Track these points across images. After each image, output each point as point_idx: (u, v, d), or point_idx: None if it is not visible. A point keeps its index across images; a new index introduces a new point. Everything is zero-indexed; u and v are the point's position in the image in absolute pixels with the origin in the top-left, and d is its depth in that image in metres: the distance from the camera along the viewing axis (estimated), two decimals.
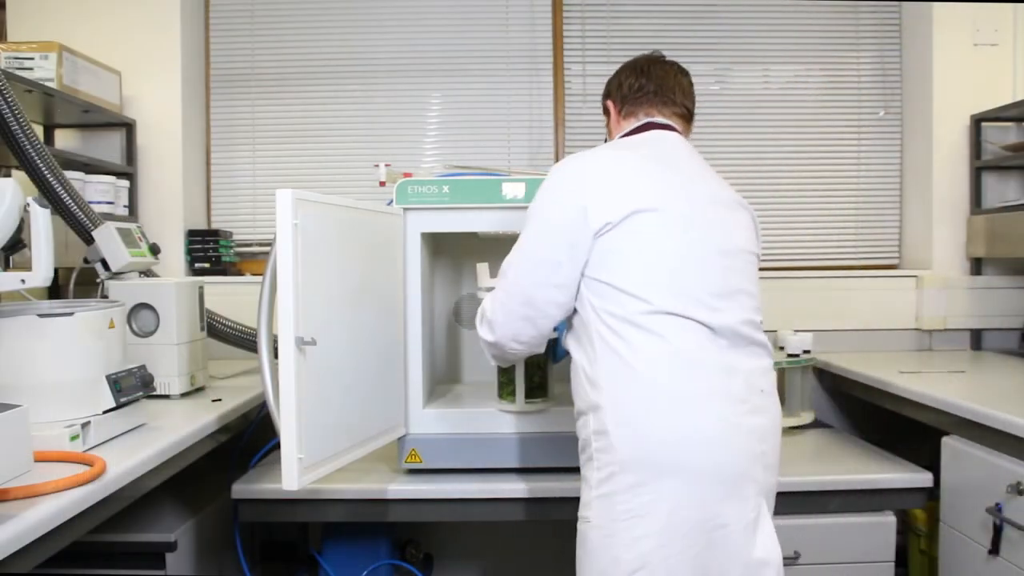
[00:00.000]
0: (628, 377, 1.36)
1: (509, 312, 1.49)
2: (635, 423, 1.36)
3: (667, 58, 1.70)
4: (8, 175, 2.22)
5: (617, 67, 1.74)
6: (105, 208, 2.52)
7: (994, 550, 1.77)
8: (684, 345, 1.37)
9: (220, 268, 2.90)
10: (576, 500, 1.83)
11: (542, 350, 1.60)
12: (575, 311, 1.46)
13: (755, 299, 1.49)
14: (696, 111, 1.69)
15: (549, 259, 1.43)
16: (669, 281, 1.38)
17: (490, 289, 1.98)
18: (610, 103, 1.70)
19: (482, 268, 2.06)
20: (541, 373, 1.97)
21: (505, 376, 1.99)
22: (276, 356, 1.51)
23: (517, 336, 1.51)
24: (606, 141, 1.72)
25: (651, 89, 1.62)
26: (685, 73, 1.68)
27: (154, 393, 1.82)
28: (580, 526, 1.42)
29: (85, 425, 1.53)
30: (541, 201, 1.49)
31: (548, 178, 1.52)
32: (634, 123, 1.62)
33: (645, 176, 1.45)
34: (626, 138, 1.61)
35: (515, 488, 1.86)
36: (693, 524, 1.34)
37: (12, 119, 1.88)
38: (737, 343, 1.41)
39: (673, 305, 1.37)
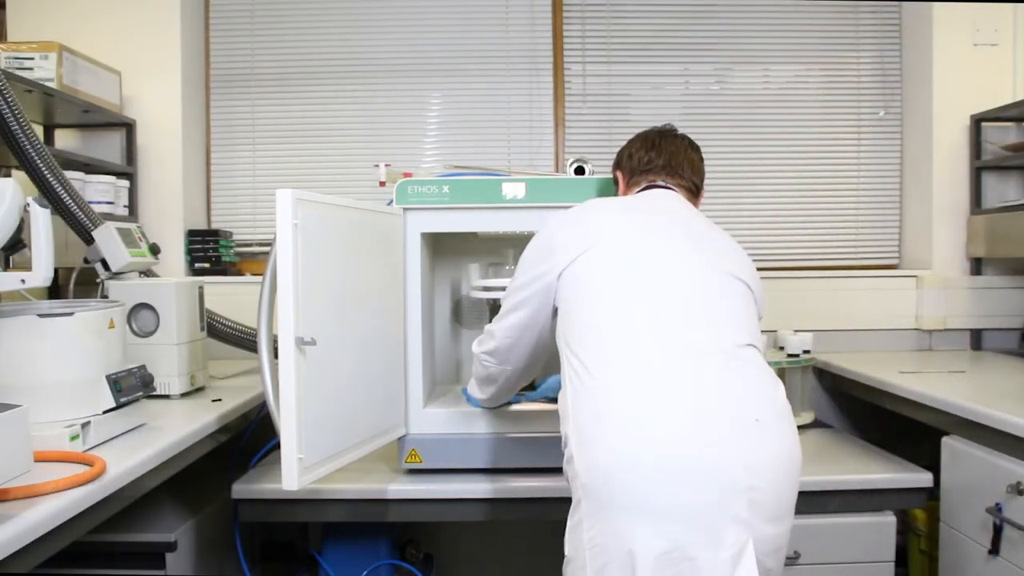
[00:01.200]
0: (587, 402, 1.33)
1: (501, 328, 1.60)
2: (591, 450, 1.29)
3: (678, 132, 1.74)
4: (8, 175, 2.22)
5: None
6: (105, 208, 2.52)
7: (994, 550, 1.77)
8: (645, 368, 1.31)
9: (220, 268, 2.90)
10: None
11: (513, 379, 1.71)
12: (559, 347, 1.47)
13: (744, 321, 1.42)
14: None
15: (523, 289, 1.53)
16: (623, 304, 1.37)
17: (484, 288, 2.01)
18: (619, 173, 1.75)
19: (473, 268, 2.07)
20: None
21: None
22: (276, 356, 1.51)
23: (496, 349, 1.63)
24: None
25: (660, 164, 1.67)
26: (696, 148, 1.72)
27: (154, 393, 1.82)
28: (565, 559, 1.38)
29: (85, 425, 1.53)
30: (528, 253, 1.57)
31: (539, 234, 1.58)
32: (636, 190, 1.68)
33: (619, 216, 1.52)
34: (625, 196, 1.68)
35: (515, 488, 1.86)
36: (656, 555, 1.23)
37: (12, 119, 1.88)
38: (720, 367, 1.32)
39: (638, 329, 1.34)
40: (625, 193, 1.72)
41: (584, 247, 1.45)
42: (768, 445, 1.29)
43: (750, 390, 1.33)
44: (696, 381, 1.30)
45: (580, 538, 1.31)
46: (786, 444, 1.32)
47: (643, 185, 1.67)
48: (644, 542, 1.23)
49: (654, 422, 1.27)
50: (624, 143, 1.77)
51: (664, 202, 1.60)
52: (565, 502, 1.84)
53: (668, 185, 1.66)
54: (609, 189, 1.85)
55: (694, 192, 1.69)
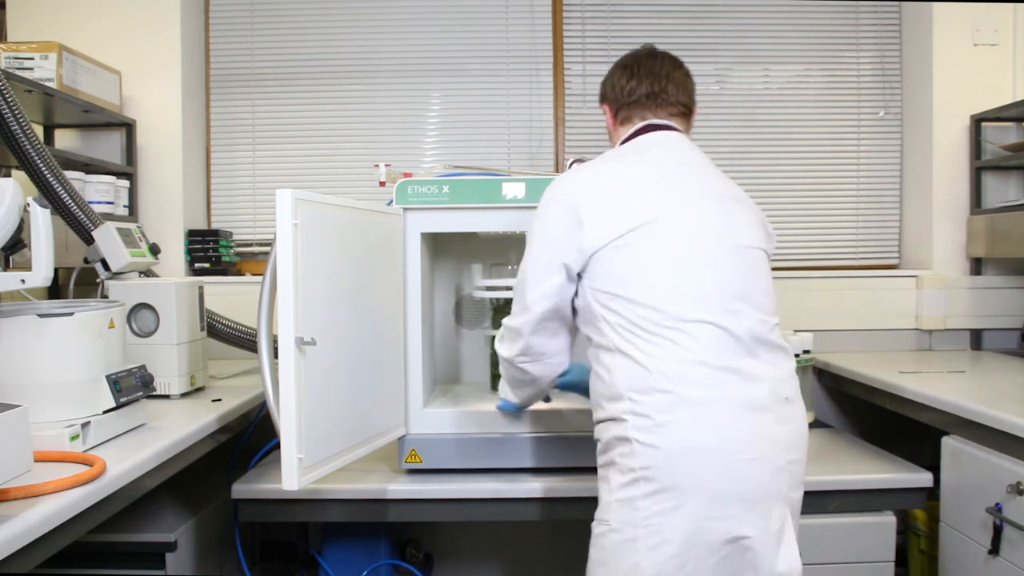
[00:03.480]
0: (647, 387, 1.34)
1: (521, 323, 1.52)
2: (656, 433, 1.33)
3: (658, 50, 1.65)
4: (8, 175, 2.22)
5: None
6: (105, 208, 2.52)
7: (994, 550, 1.77)
8: (703, 352, 1.34)
9: (220, 268, 2.90)
10: (576, 500, 1.84)
11: (550, 372, 1.60)
12: (591, 323, 1.45)
13: (771, 299, 1.46)
14: (697, 111, 1.66)
15: (547, 272, 1.46)
16: (681, 288, 1.37)
17: (487, 288, 2.01)
18: (606, 107, 1.68)
19: (476, 268, 2.07)
20: None
21: (498, 369, 2.02)
22: (276, 356, 1.51)
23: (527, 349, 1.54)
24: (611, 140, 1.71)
25: (643, 92, 1.59)
26: (679, 65, 1.63)
27: (154, 393, 1.82)
28: (597, 528, 1.41)
29: (85, 425, 1.53)
30: (540, 220, 1.50)
31: (545, 195, 1.52)
32: (631, 128, 1.60)
33: (644, 187, 1.46)
34: (626, 144, 1.59)
35: (515, 488, 1.86)
36: (713, 536, 1.32)
37: (12, 119, 1.88)
38: (757, 348, 1.39)
39: (688, 312, 1.35)
40: (615, 127, 1.64)
41: (620, 225, 1.40)
42: (796, 420, 1.42)
43: (780, 370, 1.42)
44: (745, 365, 1.36)
45: (633, 515, 1.34)
46: (803, 414, 1.45)
47: (637, 124, 1.58)
48: (705, 523, 1.31)
49: (717, 408, 1.33)
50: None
51: (676, 155, 1.53)
52: (566, 502, 1.85)
53: (665, 124, 1.57)
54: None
55: (686, 115, 1.61)
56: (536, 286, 1.47)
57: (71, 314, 1.56)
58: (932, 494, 2.00)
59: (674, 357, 1.34)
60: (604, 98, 1.68)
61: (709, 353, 1.34)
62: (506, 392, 1.72)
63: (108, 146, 2.80)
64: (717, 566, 1.33)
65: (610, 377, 1.39)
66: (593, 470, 1.86)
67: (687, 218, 1.43)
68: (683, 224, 1.42)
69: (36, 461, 1.29)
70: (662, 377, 1.34)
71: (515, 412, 1.82)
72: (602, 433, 1.44)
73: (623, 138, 1.60)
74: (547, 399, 1.85)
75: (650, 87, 1.58)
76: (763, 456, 1.34)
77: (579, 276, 1.45)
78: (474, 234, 2.14)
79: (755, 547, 1.34)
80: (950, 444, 1.97)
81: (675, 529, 1.31)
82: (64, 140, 2.81)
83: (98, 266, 2.06)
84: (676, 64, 1.63)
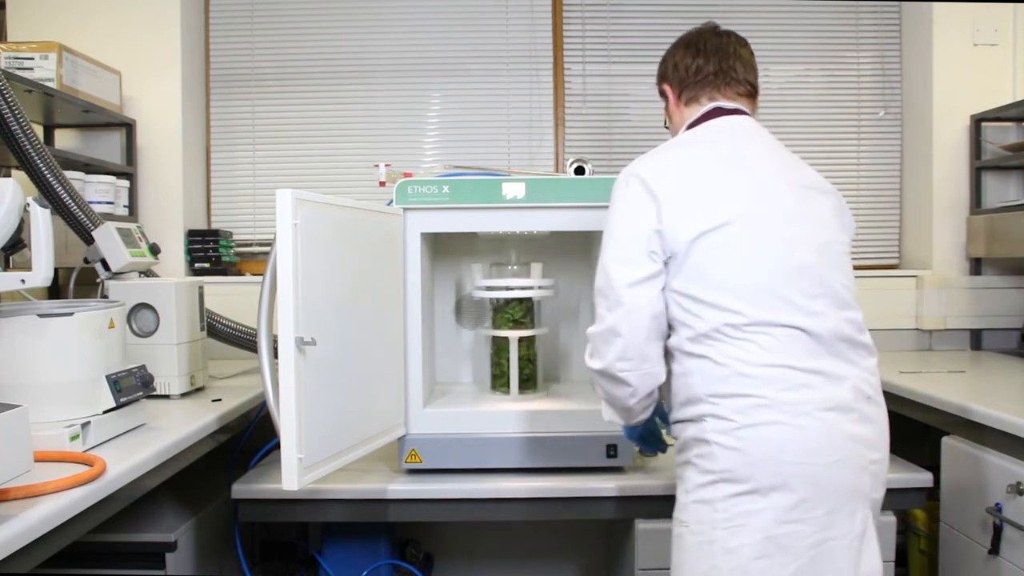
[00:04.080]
0: (727, 390, 1.32)
1: (609, 317, 1.39)
2: (738, 434, 1.31)
3: (721, 28, 1.59)
4: (8, 175, 2.22)
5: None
6: (105, 208, 2.52)
7: (994, 550, 1.77)
8: (785, 355, 1.32)
9: (220, 268, 2.90)
10: (577, 500, 1.85)
11: (649, 383, 1.43)
12: (671, 327, 1.40)
13: (852, 292, 1.42)
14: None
15: (636, 261, 1.37)
16: (763, 291, 1.33)
17: (487, 288, 2.01)
18: (667, 87, 1.60)
19: (477, 268, 2.07)
20: (532, 367, 2.06)
21: (498, 369, 2.08)
22: (276, 356, 1.51)
23: (626, 349, 1.38)
24: (666, 125, 1.66)
25: (711, 70, 1.52)
26: (744, 43, 1.57)
27: (154, 393, 1.82)
28: (676, 528, 1.40)
29: (85, 425, 1.53)
30: (619, 211, 1.42)
31: (620, 187, 1.43)
32: (698, 110, 1.53)
33: (723, 182, 1.39)
34: (694, 130, 1.51)
35: (515, 488, 1.86)
36: (796, 540, 1.29)
37: (12, 119, 1.88)
38: (840, 347, 1.35)
39: (770, 316, 1.32)
40: (678, 108, 1.57)
41: (701, 224, 1.35)
42: (878, 419, 1.39)
43: (862, 368, 1.38)
44: (827, 366, 1.33)
45: (712, 516, 1.32)
46: (884, 413, 1.41)
47: (706, 106, 1.52)
48: (788, 527, 1.29)
49: (799, 410, 1.30)
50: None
51: (751, 143, 1.47)
52: (566, 502, 1.85)
53: (734, 107, 1.51)
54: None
55: (752, 95, 1.56)
56: (626, 276, 1.37)
57: (71, 314, 1.56)
58: (932, 494, 2.00)
59: (755, 360, 1.31)
60: (664, 78, 1.61)
61: (791, 356, 1.32)
62: (607, 414, 1.55)
63: (108, 146, 2.80)
64: (801, 570, 1.29)
65: (688, 379, 1.37)
66: (593, 470, 1.89)
67: (768, 217, 1.38)
68: (764, 224, 1.37)
69: (36, 461, 1.29)
70: (743, 380, 1.31)
71: (636, 436, 1.65)
72: (679, 433, 1.42)
73: (689, 121, 1.53)
74: (659, 449, 1.71)
75: (717, 65, 1.53)
76: (846, 457, 1.31)
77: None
78: (474, 234, 2.14)
79: (838, 549, 1.31)
80: (950, 444, 1.97)
81: (757, 532, 1.29)
82: (64, 140, 2.81)
83: (98, 266, 2.06)
84: (742, 42, 1.57)
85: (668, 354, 1.42)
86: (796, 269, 1.36)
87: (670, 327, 1.40)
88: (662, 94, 1.63)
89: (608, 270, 1.39)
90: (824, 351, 1.34)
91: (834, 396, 1.32)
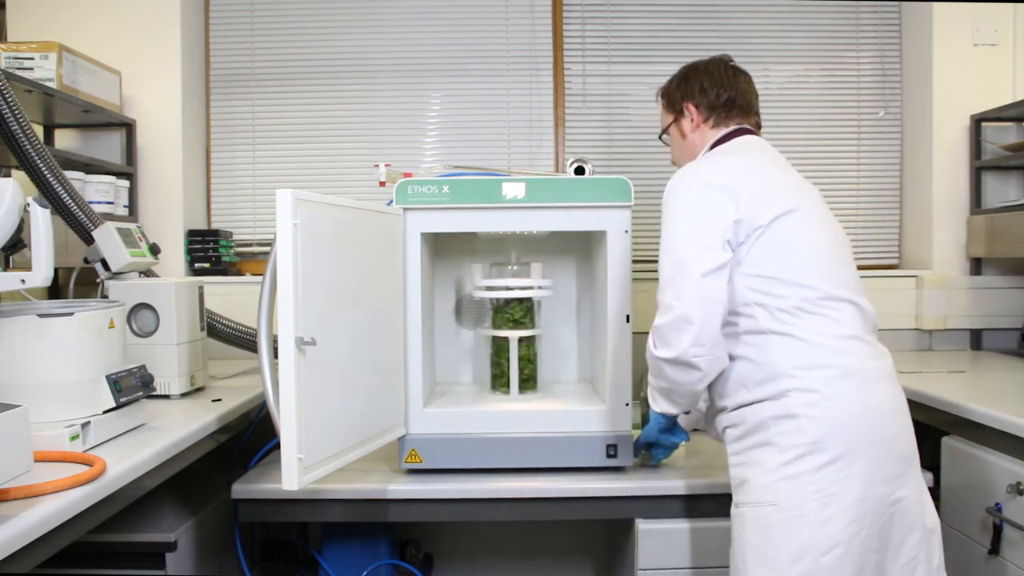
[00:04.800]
0: (812, 362, 1.43)
1: (684, 299, 1.47)
2: (824, 404, 1.41)
3: (736, 66, 1.79)
4: (8, 175, 2.22)
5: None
6: (105, 208, 2.52)
7: (994, 550, 1.77)
8: (854, 327, 1.47)
9: (220, 268, 2.90)
10: (577, 500, 1.85)
11: (717, 368, 1.51)
12: (737, 311, 1.50)
13: None
14: None
15: (710, 249, 1.48)
16: (826, 269, 1.49)
17: (487, 288, 2.02)
18: (691, 107, 1.75)
19: (476, 268, 2.07)
20: (532, 367, 2.07)
21: (498, 369, 2.08)
22: (276, 356, 1.51)
23: (701, 332, 1.46)
24: (660, 137, 1.86)
25: (740, 103, 1.72)
26: (751, 81, 1.79)
27: (154, 393, 1.82)
28: (754, 510, 1.45)
29: (85, 425, 1.53)
30: (688, 205, 1.53)
31: (682, 185, 1.55)
32: (725, 130, 1.71)
33: (775, 177, 1.58)
34: (731, 143, 1.68)
35: (515, 488, 1.86)
36: (880, 499, 1.41)
37: (12, 119, 1.88)
38: (874, 327, 1.54)
39: (836, 291, 1.47)
40: (700, 128, 1.74)
41: (769, 211, 1.49)
42: (901, 391, 1.54)
43: (886, 349, 1.57)
44: (875, 341, 1.53)
45: (801, 490, 1.40)
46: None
47: (732, 127, 1.71)
48: (875, 488, 1.41)
49: (874, 378, 1.46)
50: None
51: (775, 155, 1.68)
52: (565, 502, 1.85)
53: (753, 130, 1.73)
54: (612, 189, 1.84)
55: (759, 127, 1.78)
56: (703, 264, 1.46)
57: (71, 314, 1.56)
58: (932, 494, 1.99)
59: (833, 332, 1.45)
60: (690, 97, 1.75)
61: (859, 328, 1.48)
62: (663, 405, 1.63)
63: (108, 146, 2.80)
64: (883, 528, 1.41)
65: (766, 358, 1.46)
66: (593, 470, 1.88)
67: (816, 210, 1.56)
68: (816, 214, 1.55)
69: (36, 461, 1.29)
70: (826, 351, 1.44)
71: (663, 431, 1.78)
72: (747, 417, 1.49)
73: (715, 139, 1.70)
74: (680, 440, 1.83)
75: (745, 99, 1.73)
76: (907, 420, 1.49)
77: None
78: (474, 234, 2.15)
79: (911, 506, 1.45)
80: (950, 444, 1.98)
81: (849, 496, 1.39)
82: (64, 140, 2.81)
83: (98, 266, 2.06)
84: (750, 80, 1.78)
85: (736, 339, 1.51)
86: (841, 257, 1.55)
87: (739, 313, 1.50)
88: (677, 111, 1.79)
89: (684, 260, 1.48)
90: (870, 328, 1.52)
91: (887, 367, 1.51)
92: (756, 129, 1.75)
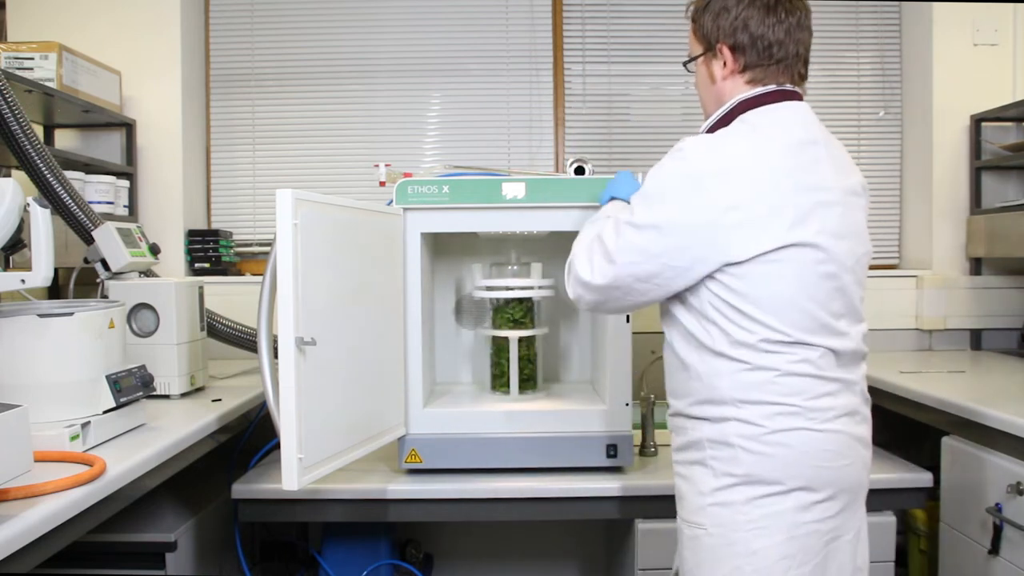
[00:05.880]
0: (758, 396, 1.33)
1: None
2: (764, 439, 1.32)
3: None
4: (8, 175, 2.22)
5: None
6: (105, 208, 2.52)
7: (994, 550, 1.77)
8: (813, 367, 1.34)
9: (220, 268, 2.90)
10: (577, 500, 1.85)
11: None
12: (698, 320, 1.37)
13: (862, 303, 1.44)
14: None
15: (666, 264, 1.34)
16: (807, 316, 1.33)
17: (487, 288, 2.01)
18: (725, 48, 1.41)
19: (477, 268, 2.07)
20: (532, 367, 2.07)
21: (498, 369, 2.08)
22: (276, 356, 1.51)
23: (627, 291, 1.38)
24: (686, 64, 1.53)
25: (788, 53, 1.39)
26: (804, 20, 1.42)
27: (154, 393, 1.82)
28: (689, 530, 1.40)
29: (85, 425, 1.53)
30: (675, 196, 1.33)
31: (685, 169, 1.34)
32: (760, 89, 1.40)
33: (788, 194, 1.31)
34: (755, 113, 1.38)
35: (515, 488, 1.86)
36: (815, 537, 1.34)
37: (12, 119, 1.88)
38: (851, 360, 1.39)
39: (806, 336, 1.33)
40: (733, 78, 1.42)
41: (763, 243, 1.30)
42: (869, 418, 1.44)
43: (862, 373, 1.44)
44: (844, 375, 1.38)
45: (733, 518, 1.33)
46: (869, 408, 1.47)
47: (769, 88, 1.39)
48: (811, 526, 1.33)
49: (824, 418, 1.34)
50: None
51: (810, 135, 1.37)
52: (565, 502, 1.85)
53: (795, 91, 1.42)
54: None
55: (805, 77, 1.46)
56: (635, 269, 1.36)
57: (71, 314, 1.56)
58: (932, 494, 2.00)
59: (787, 370, 1.33)
60: (730, 35, 1.40)
61: (820, 368, 1.34)
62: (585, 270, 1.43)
63: (108, 146, 2.80)
64: (816, 568, 1.34)
65: (714, 380, 1.35)
66: (593, 470, 1.89)
67: (821, 236, 1.32)
68: (818, 245, 1.32)
69: (36, 461, 1.29)
70: (774, 388, 1.33)
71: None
72: (689, 430, 1.40)
73: (744, 97, 1.40)
74: None
75: (795, 52, 1.39)
76: (857, 458, 1.38)
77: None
78: (474, 234, 2.15)
79: (848, 544, 1.38)
80: (950, 444, 1.98)
81: (779, 533, 1.32)
82: (64, 140, 2.81)
83: (98, 266, 2.07)
84: (803, 20, 1.41)
85: (687, 347, 1.39)
86: (836, 294, 1.36)
87: (701, 324, 1.36)
88: (706, 45, 1.45)
89: (626, 251, 1.38)
90: (842, 365, 1.38)
91: (849, 403, 1.38)
92: (800, 82, 1.43)
